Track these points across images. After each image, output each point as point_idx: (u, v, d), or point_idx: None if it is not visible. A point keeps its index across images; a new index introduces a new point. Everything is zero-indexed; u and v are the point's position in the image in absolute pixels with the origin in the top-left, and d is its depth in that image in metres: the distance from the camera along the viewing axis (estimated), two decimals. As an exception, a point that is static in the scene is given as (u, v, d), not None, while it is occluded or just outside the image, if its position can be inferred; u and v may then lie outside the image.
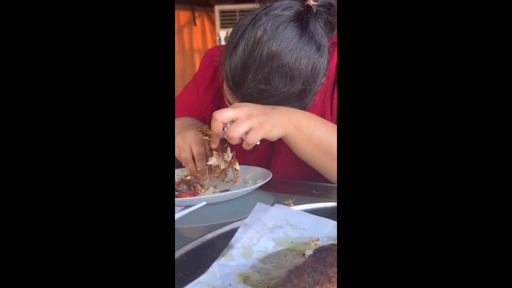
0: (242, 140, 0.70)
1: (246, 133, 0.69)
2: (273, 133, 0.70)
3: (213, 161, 0.79)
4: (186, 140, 0.81)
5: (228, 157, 0.78)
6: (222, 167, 0.79)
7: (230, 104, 0.77)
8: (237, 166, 0.77)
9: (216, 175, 0.82)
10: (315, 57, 0.70)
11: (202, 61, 1.01)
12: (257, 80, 0.69)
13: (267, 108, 0.71)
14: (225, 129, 0.71)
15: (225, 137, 0.71)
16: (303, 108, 0.77)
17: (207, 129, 0.80)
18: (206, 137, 0.79)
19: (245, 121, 0.68)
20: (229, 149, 0.78)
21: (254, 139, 0.68)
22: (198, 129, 0.82)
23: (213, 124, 0.70)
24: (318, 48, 0.70)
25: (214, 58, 0.98)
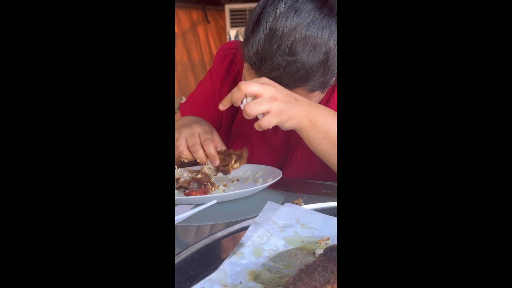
0: (256, 118, 0.70)
1: (263, 114, 0.68)
2: (288, 124, 0.70)
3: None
4: (182, 134, 0.81)
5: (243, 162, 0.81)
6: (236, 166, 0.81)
7: None
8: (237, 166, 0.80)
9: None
10: (335, 27, 0.72)
11: (217, 55, 1.01)
12: (283, 51, 0.70)
13: (291, 97, 0.71)
14: (244, 102, 0.70)
15: (241, 107, 0.71)
16: (325, 87, 0.77)
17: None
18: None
19: (266, 103, 0.67)
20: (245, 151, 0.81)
21: (267, 124, 0.68)
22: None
23: (235, 91, 0.69)
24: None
25: (229, 51, 0.98)
